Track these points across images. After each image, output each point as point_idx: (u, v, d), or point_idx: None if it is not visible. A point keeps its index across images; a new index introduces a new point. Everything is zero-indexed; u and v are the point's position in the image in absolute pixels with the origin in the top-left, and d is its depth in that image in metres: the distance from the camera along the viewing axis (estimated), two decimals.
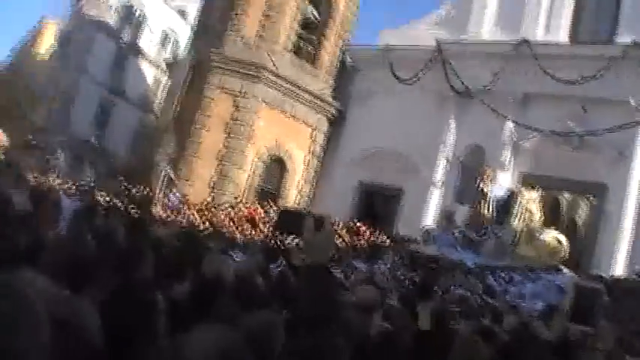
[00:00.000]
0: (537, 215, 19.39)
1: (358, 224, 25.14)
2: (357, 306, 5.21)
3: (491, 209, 19.52)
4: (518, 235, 18.57)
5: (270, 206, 26.16)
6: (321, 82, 31.74)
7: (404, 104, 28.82)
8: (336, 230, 24.83)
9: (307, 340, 2.34)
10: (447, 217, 21.34)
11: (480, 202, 20.03)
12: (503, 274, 16.91)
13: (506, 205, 19.43)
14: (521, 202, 19.08)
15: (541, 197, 20.37)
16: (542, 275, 17.14)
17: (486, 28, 29.05)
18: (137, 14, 46.99)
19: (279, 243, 20.50)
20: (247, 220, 24.25)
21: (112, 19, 44.62)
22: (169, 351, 1.89)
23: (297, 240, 16.50)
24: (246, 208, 25.87)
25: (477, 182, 21.02)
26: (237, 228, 24.15)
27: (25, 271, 2.66)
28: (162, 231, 8.21)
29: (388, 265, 18.18)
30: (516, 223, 18.81)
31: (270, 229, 22.68)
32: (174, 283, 4.60)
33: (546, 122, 24.95)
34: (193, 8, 41.83)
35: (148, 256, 4.95)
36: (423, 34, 29.64)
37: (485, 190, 19.97)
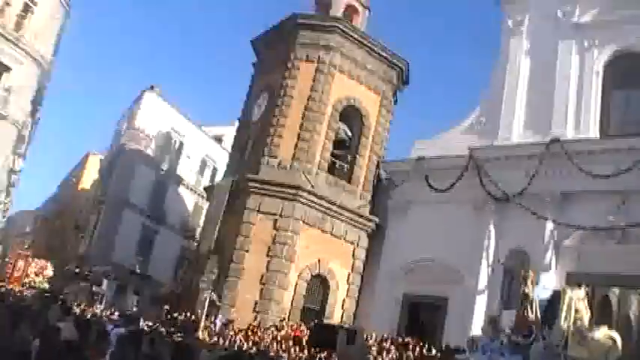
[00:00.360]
0: (585, 313, 18.91)
1: (406, 339, 24.82)
2: None
3: (536, 311, 19.16)
4: (566, 336, 18.08)
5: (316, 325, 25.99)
6: (358, 198, 32.08)
7: (442, 213, 28.89)
8: (382, 344, 24.55)
9: None
10: (491, 322, 20.84)
11: (524, 306, 19.70)
12: None
13: (551, 306, 19.04)
14: (566, 302, 18.66)
15: (589, 295, 19.94)
16: None
17: (516, 131, 29.36)
18: (176, 143, 48.40)
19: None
20: (293, 341, 24.08)
21: (151, 149, 45.99)
22: None
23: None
24: (292, 328, 25.76)
25: (520, 286, 20.74)
26: (283, 349, 23.98)
27: None
28: (207, 356, 8.29)
29: None
30: (563, 323, 18.36)
31: (305, 345, 22.59)
32: None
33: (587, 219, 24.79)
34: (230, 134, 43.04)
35: None
36: (456, 142, 30.03)
37: (527, 292, 19.66)
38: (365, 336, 19.27)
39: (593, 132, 27.44)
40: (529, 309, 19.26)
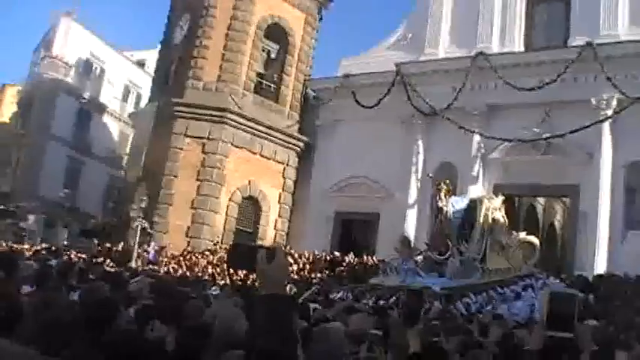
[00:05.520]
0: (502, 222, 18.71)
1: (337, 255, 25.13)
2: (349, 335, 5.16)
3: (452, 224, 18.79)
4: (484, 248, 17.89)
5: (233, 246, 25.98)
6: (286, 118, 31.87)
7: (371, 130, 28.97)
8: (314, 262, 24.72)
9: None
10: (402, 242, 20.32)
11: (439, 220, 19.48)
12: (472, 300, 16.05)
13: (468, 218, 18.78)
14: (482, 212, 18.38)
15: (506, 203, 19.86)
16: (515, 289, 16.58)
17: (443, 45, 29.39)
18: (96, 70, 46.89)
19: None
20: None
21: (71, 77, 44.43)
22: None
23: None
24: (225, 251, 25.74)
25: (434, 199, 20.45)
26: (217, 272, 24.02)
27: None
28: (134, 285, 8.12)
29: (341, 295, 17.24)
30: (480, 235, 18.03)
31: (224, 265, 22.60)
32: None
33: (512, 131, 25.19)
34: (153, 58, 41.85)
35: (122, 309, 4.92)
36: (382, 58, 29.88)
37: (440, 205, 19.36)
38: (285, 254, 18.64)
39: (518, 45, 27.66)
40: (444, 223, 18.97)
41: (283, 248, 21.37)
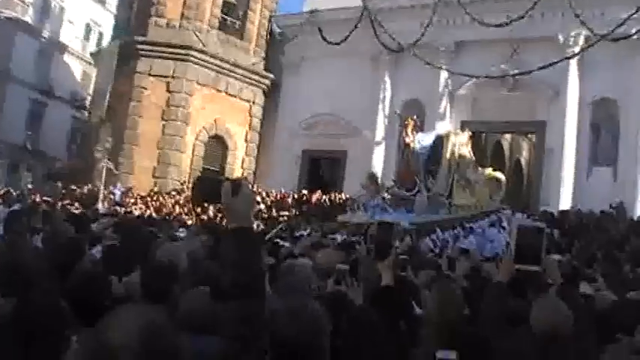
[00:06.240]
0: (469, 157, 18.85)
1: (304, 192, 25.19)
2: (316, 270, 5.12)
3: (419, 160, 18.93)
4: (451, 183, 18.07)
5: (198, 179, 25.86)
6: (251, 55, 31.41)
7: (338, 67, 28.71)
8: (283, 199, 24.73)
9: (236, 307, 2.25)
10: (370, 179, 20.31)
11: (406, 156, 19.55)
12: (439, 236, 16.21)
13: (435, 154, 18.88)
14: (449, 148, 18.49)
15: (472, 138, 19.97)
16: (481, 225, 16.77)
17: None
18: (55, 8, 45.59)
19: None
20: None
21: (29, 16, 43.18)
22: (93, 334, 1.81)
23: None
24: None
25: (401, 135, 20.51)
26: (185, 212, 23.92)
27: None
28: (97, 226, 8.01)
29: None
30: (447, 170, 18.19)
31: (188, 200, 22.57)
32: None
33: (480, 68, 25.10)
34: None
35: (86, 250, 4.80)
36: None
37: (407, 140, 19.41)
38: (250, 187, 18.62)
39: None
40: (411, 158, 19.08)
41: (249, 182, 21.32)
